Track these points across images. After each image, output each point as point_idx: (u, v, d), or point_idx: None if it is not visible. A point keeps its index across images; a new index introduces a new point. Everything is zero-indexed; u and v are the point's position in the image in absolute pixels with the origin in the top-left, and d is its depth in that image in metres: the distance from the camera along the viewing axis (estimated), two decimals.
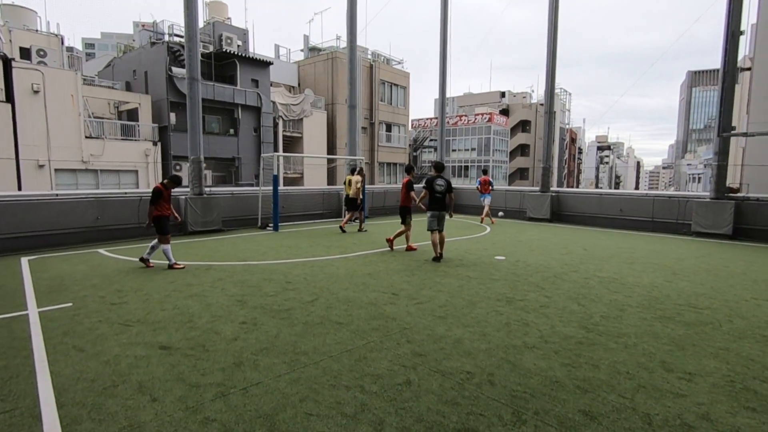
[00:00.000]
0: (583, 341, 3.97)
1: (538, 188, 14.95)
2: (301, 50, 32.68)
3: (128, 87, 23.17)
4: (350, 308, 4.88)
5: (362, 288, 5.74)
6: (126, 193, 10.15)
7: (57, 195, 9.07)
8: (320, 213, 13.70)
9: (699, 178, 78.79)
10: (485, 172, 14.48)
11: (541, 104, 62.75)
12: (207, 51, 22.45)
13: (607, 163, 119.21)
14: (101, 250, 8.37)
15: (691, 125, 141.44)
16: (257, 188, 12.63)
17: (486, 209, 13.55)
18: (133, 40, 25.77)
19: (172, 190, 7.08)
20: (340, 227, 11.16)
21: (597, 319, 4.59)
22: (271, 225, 11.51)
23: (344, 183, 11.77)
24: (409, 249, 8.55)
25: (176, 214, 7.31)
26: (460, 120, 50.01)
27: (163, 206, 6.91)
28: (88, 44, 57.87)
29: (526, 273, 6.66)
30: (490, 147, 47.58)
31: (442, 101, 18.25)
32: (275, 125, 25.59)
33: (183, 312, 4.72)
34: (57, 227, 8.84)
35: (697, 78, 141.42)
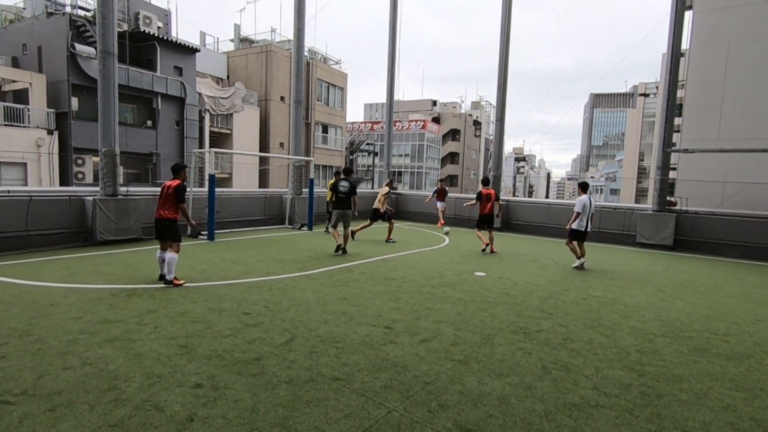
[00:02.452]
0: (646, 392, 3.25)
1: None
2: (231, 40, 30.15)
3: (15, 63, 19.29)
4: (342, 352, 3.73)
5: (345, 319, 4.59)
6: (9, 192, 7.85)
7: None
8: (261, 219, 12.10)
9: (601, 190, 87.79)
10: (441, 181, 14.86)
11: (470, 114, 65.40)
12: (120, 30, 19.43)
13: (522, 173, 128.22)
14: None
15: (592, 142, 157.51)
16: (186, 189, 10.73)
17: (442, 213, 14.37)
18: (24, 9, 21.63)
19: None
20: (352, 233, 9.43)
21: (636, 355, 3.93)
22: (204, 233, 9.76)
23: (328, 188, 10.95)
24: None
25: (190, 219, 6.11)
26: (395, 126, 50.01)
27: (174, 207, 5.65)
28: None
29: (520, 293, 5.97)
30: (423, 154, 48.11)
31: (390, 105, 17.49)
32: (201, 119, 23.04)
33: (100, 371, 3.23)
34: None
35: (598, 100, 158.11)
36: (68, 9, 19.63)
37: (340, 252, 8.37)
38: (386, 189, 10.99)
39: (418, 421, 2.74)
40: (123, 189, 9.06)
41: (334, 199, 8.67)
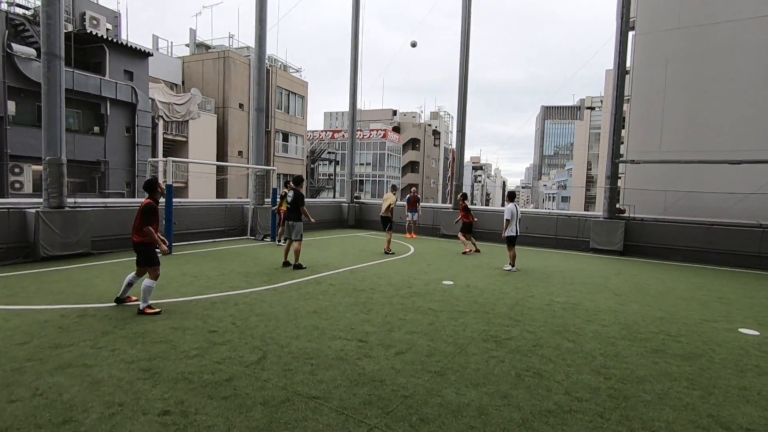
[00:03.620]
0: (613, 394, 3.39)
1: (451, 205, 15.05)
2: (187, 45, 29.16)
3: None
4: (317, 369, 3.63)
5: (317, 334, 4.48)
6: None
7: None
8: (222, 230, 11.67)
9: (553, 197, 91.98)
10: (414, 188, 14.92)
11: (429, 124, 66.69)
12: (65, 30, 18.29)
13: (480, 181, 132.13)
14: None
15: (544, 151, 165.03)
16: (140, 200, 10.18)
17: (411, 224, 14.22)
18: None
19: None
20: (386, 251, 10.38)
21: (601, 359, 4.10)
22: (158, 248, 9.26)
23: (280, 197, 10.90)
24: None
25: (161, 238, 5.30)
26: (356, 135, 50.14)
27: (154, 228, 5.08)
28: None
29: (488, 301, 6.09)
30: (384, 162, 48.45)
31: (353, 114, 17.53)
32: (154, 126, 22.01)
33: (52, 402, 2.96)
34: None
35: (549, 112, 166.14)
36: (4, 6, 18.26)
37: (290, 267, 7.90)
38: (394, 197, 10.81)
39: None
40: (71, 200, 8.47)
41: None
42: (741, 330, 5.20)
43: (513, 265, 8.74)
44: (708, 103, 12.84)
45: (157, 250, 5.16)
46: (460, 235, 11.56)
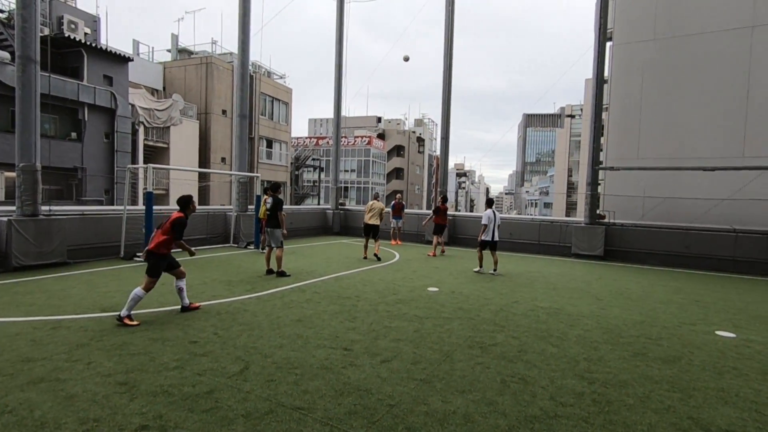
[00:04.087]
0: (597, 399, 3.42)
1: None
2: (168, 50, 28.81)
3: None
4: (301, 379, 3.57)
5: (301, 343, 4.42)
6: None
7: None
8: (203, 238, 11.47)
9: (536, 203, 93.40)
10: (399, 195, 14.99)
11: (413, 131, 67.13)
12: (42, 34, 17.86)
13: (464, 188, 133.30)
14: None
15: (526, 158, 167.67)
16: (119, 207, 9.97)
17: (396, 231, 14.26)
18: None
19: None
20: (376, 256, 10.47)
21: (584, 364, 4.14)
22: (140, 254, 9.05)
23: (262, 204, 10.55)
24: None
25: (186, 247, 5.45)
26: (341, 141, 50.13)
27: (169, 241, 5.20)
28: None
29: (473, 308, 6.11)
30: (369, 169, 48.50)
31: (338, 121, 17.51)
32: (134, 132, 21.61)
33: (23, 419, 2.83)
34: None
35: (530, 120, 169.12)
36: None
37: (273, 275, 7.86)
38: (382, 204, 10.98)
39: None
40: (45, 208, 8.22)
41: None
42: (718, 332, 5.32)
43: (487, 267, 9.27)
44: (682, 112, 13.25)
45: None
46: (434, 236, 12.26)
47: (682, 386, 3.72)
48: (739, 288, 8.48)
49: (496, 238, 9.21)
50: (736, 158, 12.17)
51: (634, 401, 3.41)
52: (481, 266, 9.31)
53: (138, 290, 4.89)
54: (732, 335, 5.24)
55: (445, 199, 12.78)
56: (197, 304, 5.59)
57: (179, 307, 5.50)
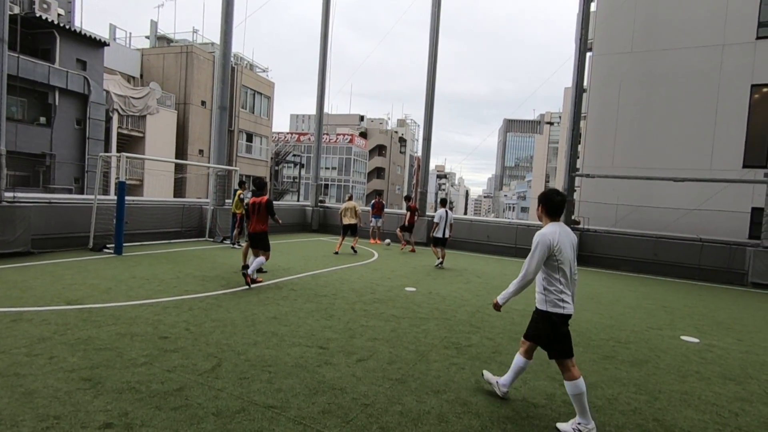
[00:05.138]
0: (567, 400, 3.46)
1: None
2: (147, 37, 28.00)
3: None
4: (275, 377, 3.51)
5: (276, 341, 4.35)
6: None
7: None
8: (178, 231, 11.18)
9: (513, 207, 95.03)
10: (379, 195, 14.98)
11: (396, 131, 67.25)
12: (11, 13, 17.06)
13: (444, 190, 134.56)
14: None
15: (506, 163, 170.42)
16: (89, 196, 9.61)
17: (375, 230, 14.26)
18: None
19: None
20: (353, 248, 11.27)
21: (556, 366, 4.19)
22: (110, 246, 8.76)
23: (235, 200, 10.64)
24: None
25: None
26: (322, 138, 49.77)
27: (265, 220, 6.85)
28: None
29: (449, 308, 6.15)
30: (350, 167, 48.33)
31: (320, 117, 17.37)
32: (108, 119, 20.90)
33: None
34: None
35: (511, 125, 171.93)
36: None
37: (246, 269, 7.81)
38: (354, 203, 11.48)
39: None
40: (9, 194, 7.86)
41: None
42: (683, 337, 5.52)
43: (440, 259, 9.87)
44: (655, 124, 13.70)
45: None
46: (398, 231, 13.15)
47: (649, 389, 3.84)
48: (703, 295, 8.82)
49: (447, 236, 9.91)
50: (704, 170, 12.66)
51: (603, 403, 3.50)
52: (438, 259, 9.84)
53: (261, 258, 6.55)
54: (696, 340, 5.44)
55: (408, 198, 13.90)
56: (261, 279, 6.79)
57: (150, 301, 5.34)
